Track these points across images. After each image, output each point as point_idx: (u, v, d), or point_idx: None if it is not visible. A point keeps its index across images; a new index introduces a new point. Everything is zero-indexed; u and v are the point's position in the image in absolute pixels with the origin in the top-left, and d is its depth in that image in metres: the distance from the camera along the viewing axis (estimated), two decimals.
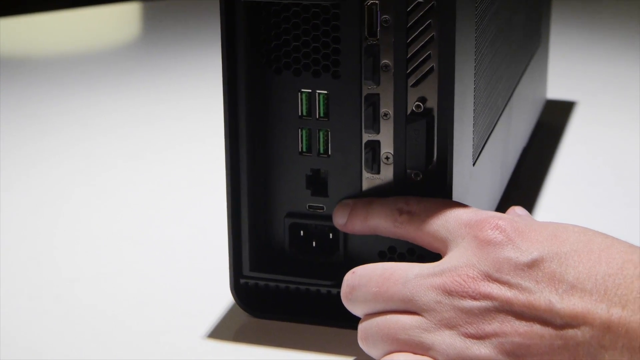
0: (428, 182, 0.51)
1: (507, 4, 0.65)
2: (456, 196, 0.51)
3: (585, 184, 0.76)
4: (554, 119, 0.91)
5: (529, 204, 0.71)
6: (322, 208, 0.53)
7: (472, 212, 0.47)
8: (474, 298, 0.44)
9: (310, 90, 0.51)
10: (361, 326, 0.47)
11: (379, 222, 0.50)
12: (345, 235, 0.53)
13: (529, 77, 0.78)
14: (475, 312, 0.43)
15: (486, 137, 0.59)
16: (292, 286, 0.54)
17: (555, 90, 0.97)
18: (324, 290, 0.53)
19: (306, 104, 0.52)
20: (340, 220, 0.52)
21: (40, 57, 1.27)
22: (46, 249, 0.65)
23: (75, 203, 0.74)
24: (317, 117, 0.52)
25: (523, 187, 0.74)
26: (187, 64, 1.16)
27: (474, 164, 0.55)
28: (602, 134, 0.88)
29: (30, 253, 0.65)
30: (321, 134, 0.52)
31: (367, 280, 0.47)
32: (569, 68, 1.09)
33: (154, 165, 0.83)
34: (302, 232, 0.54)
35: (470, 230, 0.46)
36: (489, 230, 0.45)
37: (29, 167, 0.82)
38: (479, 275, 0.44)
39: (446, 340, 0.44)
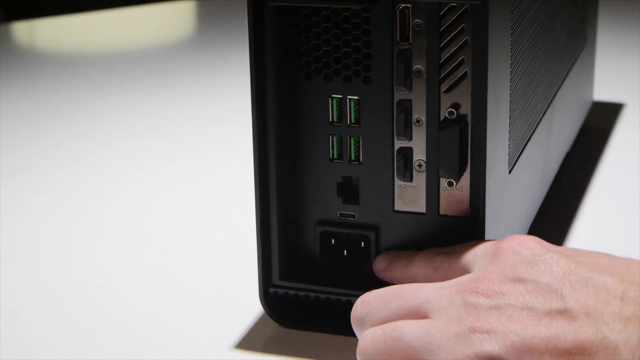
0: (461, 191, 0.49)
1: (549, 3, 0.63)
2: (490, 204, 0.49)
3: (631, 190, 0.73)
4: (600, 122, 0.88)
5: (570, 211, 0.69)
6: (353, 216, 0.52)
7: (499, 243, 0.46)
8: (487, 295, 0.42)
9: (341, 96, 0.50)
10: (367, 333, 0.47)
11: (418, 270, 0.50)
12: (377, 244, 0.52)
13: (574, 78, 0.76)
14: (485, 308, 0.42)
15: (524, 143, 0.58)
16: (323, 296, 0.52)
17: (603, 92, 0.95)
18: (354, 300, 0.52)
19: (337, 110, 0.51)
20: (380, 266, 0.51)
21: (91, 57, 1.27)
22: (73, 252, 0.65)
23: (101, 207, 0.73)
24: (348, 123, 0.51)
25: (565, 193, 0.72)
26: (235, 64, 1.14)
27: (510, 171, 0.54)
28: None
29: (57, 256, 0.64)
30: (352, 140, 0.51)
31: (376, 307, 0.47)
32: (617, 69, 1.06)
33: (186, 168, 0.82)
34: (333, 240, 0.53)
35: (494, 253, 0.46)
36: (511, 242, 0.45)
37: (60, 168, 0.82)
38: (496, 278, 0.43)
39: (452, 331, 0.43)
